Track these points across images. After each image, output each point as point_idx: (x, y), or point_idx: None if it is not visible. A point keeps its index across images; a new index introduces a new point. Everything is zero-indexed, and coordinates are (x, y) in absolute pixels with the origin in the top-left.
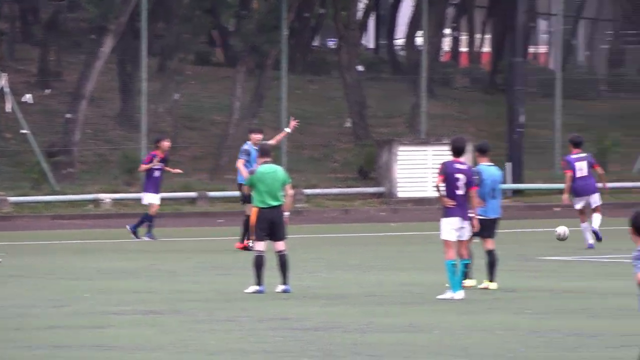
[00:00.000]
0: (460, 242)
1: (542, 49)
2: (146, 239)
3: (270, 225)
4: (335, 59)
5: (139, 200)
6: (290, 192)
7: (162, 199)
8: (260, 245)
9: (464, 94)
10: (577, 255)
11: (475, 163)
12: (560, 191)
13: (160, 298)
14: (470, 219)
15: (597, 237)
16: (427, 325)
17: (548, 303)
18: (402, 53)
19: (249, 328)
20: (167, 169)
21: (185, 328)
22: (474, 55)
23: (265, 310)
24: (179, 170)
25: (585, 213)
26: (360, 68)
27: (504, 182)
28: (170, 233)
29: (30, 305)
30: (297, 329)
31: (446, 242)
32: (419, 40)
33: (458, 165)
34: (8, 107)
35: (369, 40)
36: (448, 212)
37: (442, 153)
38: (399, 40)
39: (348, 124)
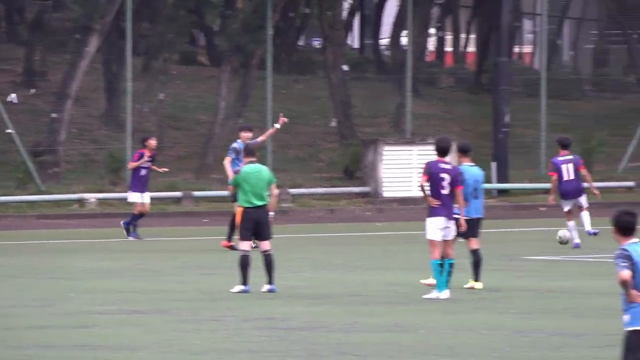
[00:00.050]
0: (445, 241)
1: (527, 48)
2: (131, 238)
3: (256, 225)
4: (320, 58)
5: (124, 199)
6: (275, 191)
7: None
8: (245, 245)
9: (449, 93)
10: (562, 255)
11: (458, 163)
12: (545, 191)
13: (145, 298)
14: (457, 219)
15: (594, 234)
16: (412, 324)
17: (533, 303)
18: (387, 53)
19: (234, 328)
20: (155, 167)
21: (170, 328)
22: (459, 55)
23: (251, 310)
24: (166, 169)
25: (572, 213)
26: (345, 68)
27: (489, 182)
28: (156, 233)
29: (15, 305)
30: (282, 328)
31: (431, 242)
32: (404, 40)
33: (443, 165)
34: None
35: (354, 40)
36: (433, 212)
37: (427, 153)
38: (384, 40)
39: (333, 124)
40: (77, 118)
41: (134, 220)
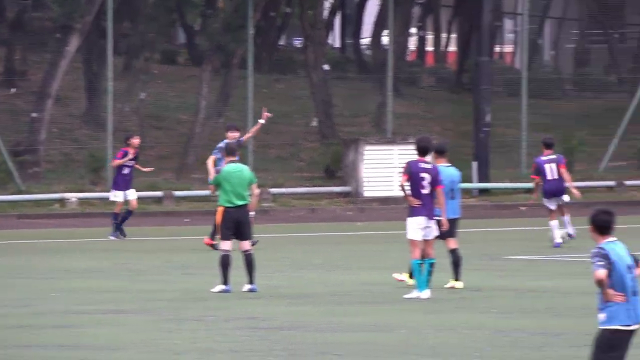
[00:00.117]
0: (426, 241)
1: (508, 48)
2: (112, 238)
3: (237, 225)
4: (301, 58)
5: (105, 199)
6: (256, 191)
7: None
8: (226, 245)
9: (430, 93)
10: (542, 255)
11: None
12: (527, 190)
13: (126, 297)
14: (438, 220)
15: (571, 236)
16: (393, 324)
17: (513, 302)
18: (368, 52)
19: (215, 327)
20: (139, 166)
21: (151, 327)
22: (440, 55)
23: (232, 310)
24: (150, 169)
25: (555, 211)
26: (326, 67)
27: (470, 181)
28: (137, 232)
29: None
30: (263, 328)
31: (412, 242)
32: (385, 39)
33: (423, 165)
34: None
35: (335, 39)
36: (414, 212)
37: (408, 152)
38: (365, 40)
39: (314, 123)
40: (57, 118)
41: (115, 219)
